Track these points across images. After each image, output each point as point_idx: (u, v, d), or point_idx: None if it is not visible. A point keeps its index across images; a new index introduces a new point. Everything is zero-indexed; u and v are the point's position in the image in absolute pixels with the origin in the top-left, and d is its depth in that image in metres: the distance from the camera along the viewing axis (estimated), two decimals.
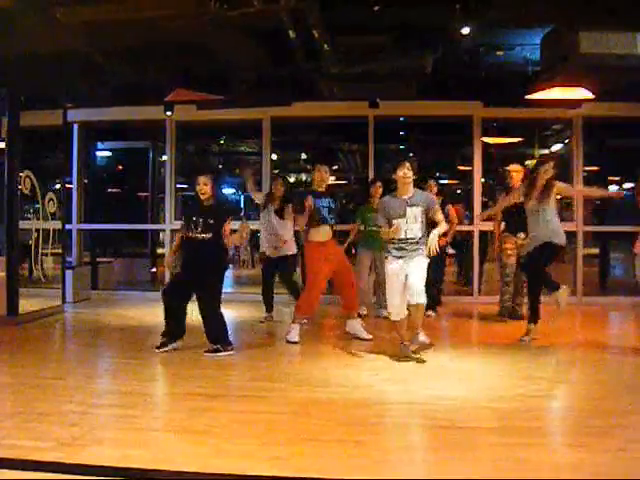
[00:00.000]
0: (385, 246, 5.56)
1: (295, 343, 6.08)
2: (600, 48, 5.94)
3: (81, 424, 3.70)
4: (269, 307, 7.39)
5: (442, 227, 5.49)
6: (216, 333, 5.60)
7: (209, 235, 5.55)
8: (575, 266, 8.88)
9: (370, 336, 6.22)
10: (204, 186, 5.58)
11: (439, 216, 5.50)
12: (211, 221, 5.56)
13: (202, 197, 5.61)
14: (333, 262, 6.14)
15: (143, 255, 12.09)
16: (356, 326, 6.33)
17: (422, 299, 5.30)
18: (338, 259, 6.23)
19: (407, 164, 5.43)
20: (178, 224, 8.76)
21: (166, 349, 5.60)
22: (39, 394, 4.32)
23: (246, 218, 7.99)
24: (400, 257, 5.36)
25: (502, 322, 7.20)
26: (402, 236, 5.34)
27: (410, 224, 5.34)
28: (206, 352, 5.53)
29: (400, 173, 5.39)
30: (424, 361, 5.26)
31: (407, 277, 5.30)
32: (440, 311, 7.85)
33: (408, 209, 5.36)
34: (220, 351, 5.53)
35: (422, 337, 5.73)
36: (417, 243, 5.35)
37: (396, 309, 5.40)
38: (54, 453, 3.22)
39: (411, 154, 13.29)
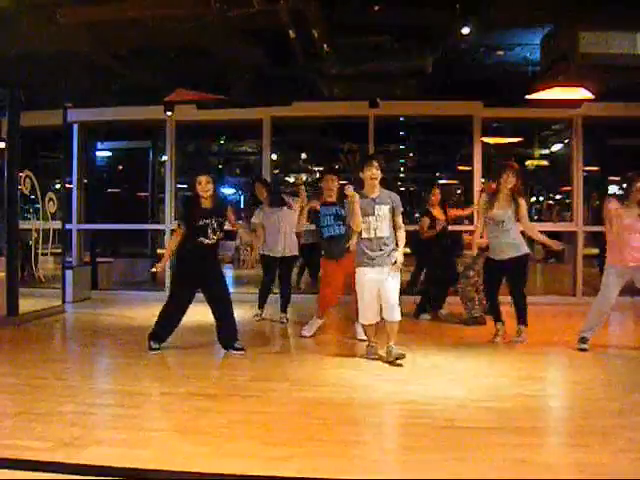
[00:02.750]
0: (358, 254, 5.37)
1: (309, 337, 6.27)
2: (600, 48, 5.94)
3: (81, 424, 3.70)
4: (262, 305, 7.49)
5: (403, 238, 5.36)
6: (235, 329, 5.69)
7: (218, 236, 5.59)
8: (575, 266, 8.89)
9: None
10: (208, 184, 5.51)
11: (400, 220, 5.39)
12: (221, 220, 5.58)
13: (205, 196, 5.53)
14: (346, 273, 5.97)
15: (143, 255, 12.09)
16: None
17: (397, 316, 5.27)
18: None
19: (375, 163, 5.34)
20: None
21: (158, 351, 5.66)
22: (39, 394, 4.32)
23: (246, 218, 7.98)
24: (373, 266, 5.26)
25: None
26: (372, 235, 5.28)
27: (379, 222, 5.28)
28: (236, 351, 5.57)
29: (368, 173, 5.29)
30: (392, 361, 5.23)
31: (381, 290, 5.25)
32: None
33: (376, 207, 5.30)
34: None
35: (395, 350, 5.29)
36: (387, 245, 5.27)
37: (368, 317, 5.40)
38: (54, 453, 3.22)
39: (411, 154, 13.30)
